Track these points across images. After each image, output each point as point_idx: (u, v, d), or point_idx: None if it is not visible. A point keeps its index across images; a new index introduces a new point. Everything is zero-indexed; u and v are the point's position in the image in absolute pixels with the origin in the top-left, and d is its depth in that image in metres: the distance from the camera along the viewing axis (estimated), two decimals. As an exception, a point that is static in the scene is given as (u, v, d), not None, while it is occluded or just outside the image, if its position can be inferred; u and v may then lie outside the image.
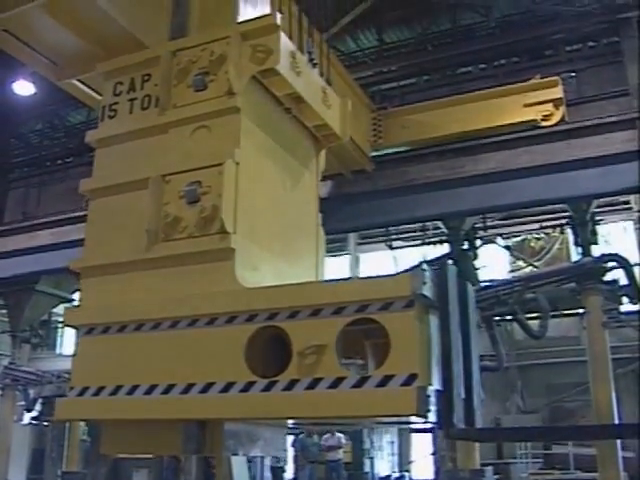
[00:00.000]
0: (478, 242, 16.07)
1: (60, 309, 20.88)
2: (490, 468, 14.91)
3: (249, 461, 4.74)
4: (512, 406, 20.86)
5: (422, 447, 22.78)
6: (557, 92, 10.68)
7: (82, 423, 18.78)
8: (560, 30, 14.25)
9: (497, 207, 13.62)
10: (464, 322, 3.75)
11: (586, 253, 13.47)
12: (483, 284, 13.64)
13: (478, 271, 15.99)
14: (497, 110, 11.00)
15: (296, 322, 3.66)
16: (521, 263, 21.69)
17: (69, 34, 5.47)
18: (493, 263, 20.78)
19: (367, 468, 21.71)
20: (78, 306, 4.52)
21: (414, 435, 23.34)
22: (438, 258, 14.73)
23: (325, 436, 18.49)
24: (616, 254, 13.02)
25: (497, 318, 12.44)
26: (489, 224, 18.05)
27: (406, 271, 3.64)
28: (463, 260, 14.56)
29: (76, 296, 17.70)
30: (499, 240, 20.05)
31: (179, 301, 4.01)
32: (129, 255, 4.28)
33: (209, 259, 4.04)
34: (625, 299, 13.16)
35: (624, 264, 12.65)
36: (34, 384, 19.18)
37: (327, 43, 6.20)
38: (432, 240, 18.75)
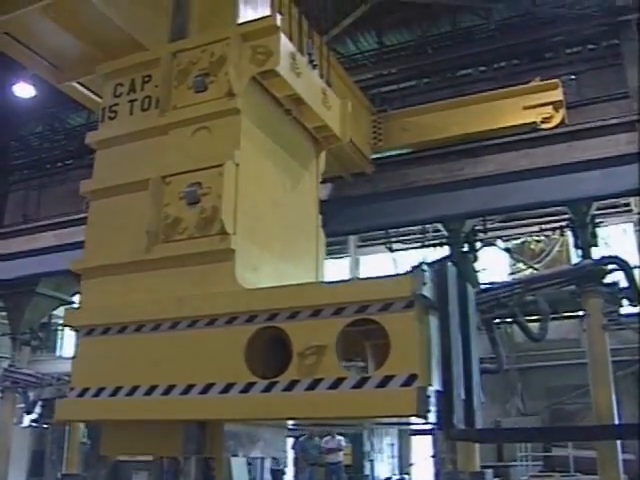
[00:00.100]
0: (478, 244, 16.07)
1: (60, 311, 20.88)
2: (490, 470, 14.87)
3: (249, 463, 4.73)
4: (512, 408, 20.86)
5: (422, 449, 22.78)
6: (557, 94, 10.68)
7: (82, 425, 18.75)
8: (560, 32, 14.29)
9: (498, 209, 13.62)
10: (464, 323, 3.75)
11: (586, 255, 13.47)
12: (483, 286, 13.63)
13: (478, 273, 15.99)
14: (497, 112, 11.00)
15: (296, 323, 3.67)
16: (521, 265, 21.70)
17: (69, 37, 5.48)
18: (493, 265, 20.78)
19: (367, 471, 21.74)
20: (78, 307, 4.52)
21: (414, 437, 23.33)
22: (438, 260, 14.71)
23: (325, 438, 18.48)
24: (616, 256, 13.01)
25: (497, 320, 12.42)
26: (489, 226, 18.05)
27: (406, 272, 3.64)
28: (463, 262, 14.56)
29: (76, 298, 17.69)
30: (499, 242, 20.07)
31: (179, 302, 4.01)
32: (129, 256, 4.29)
33: (209, 260, 4.04)
34: (625, 301, 13.16)
35: (624, 266, 12.64)
36: (34, 386, 19.15)
37: (327, 45, 6.21)
38: (432, 242, 18.73)
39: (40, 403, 19.20)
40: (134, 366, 4.05)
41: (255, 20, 4.58)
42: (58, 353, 29.64)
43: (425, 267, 3.50)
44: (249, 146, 4.29)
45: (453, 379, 3.54)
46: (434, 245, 18.35)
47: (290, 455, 19.04)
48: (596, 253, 13.61)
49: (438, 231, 17.37)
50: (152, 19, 5.31)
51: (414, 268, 3.50)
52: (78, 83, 5.93)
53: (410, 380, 3.33)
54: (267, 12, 5.12)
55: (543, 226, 19.56)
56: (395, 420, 4.58)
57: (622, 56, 12.98)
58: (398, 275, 3.67)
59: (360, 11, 15.25)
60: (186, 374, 3.85)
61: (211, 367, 3.80)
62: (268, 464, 5.15)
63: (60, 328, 28.34)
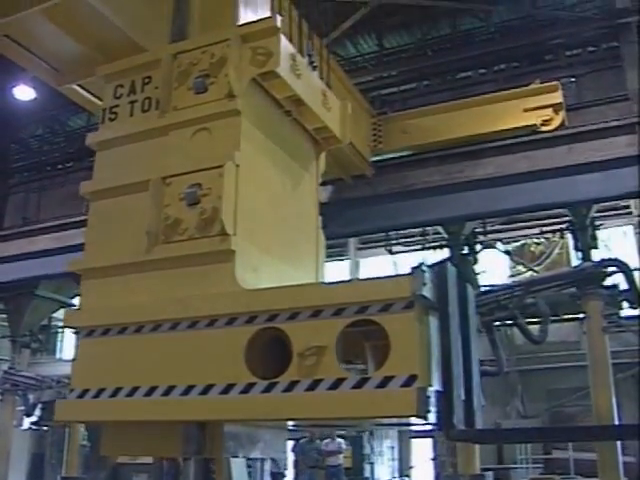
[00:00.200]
0: (478, 247, 16.10)
1: (60, 314, 20.89)
2: (490, 473, 14.89)
3: (249, 466, 4.73)
4: (512, 411, 20.84)
5: (422, 452, 22.79)
6: (557, 97, 10.69)
7: (82, 428, 18.76)
8: (560, 35, 14.32)
9: (498, 212, 13.64)
10: (464, 323, 3.75)
11: (586, 258, 13.49)
12: (483, 289, 13.64)
13: (478, 276, 16.01)
14: (497, 115, 11.01)
15: (296, 323, 3.66)
16: (521, 268, 21.70)
17: (69, 39, 5.48)
18: (493, 268, 20.80)
19: (367, 473, 21.73)
20: (78, 308, 4.52)
21: (414, 440, 23.33)
22: (438, 262, 14.73)
23: (325, 441, 18.47)
24: (616, 259, 13.03)
25: (497, 323, 12.43)
26: (489, 229, 18.08)
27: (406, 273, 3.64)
28: (463, 265, 14.57)
29: (76, 301, 17.70)
30: (499, 245, 20.07)
31: (179, 303, 4.01)
32: (129, 257, 4.28)
33: (209, 261, 4.04)
34: (625, 304, 13.17)
35: (624, 269, 12.66)
36: (34, 389, 19.18)
37: (327, 48, 6.22)
38: (432, 245, 18.75)
39: (40, 406, 19.22)
40: (134, 367, 4.05)
41: (255, 21, 4.58)
42: (58, 356, 29.63)
43: (425, 268, 3.50)
44: (249, 147, 4.30)
45: (453, 380, 3.54)
46: (434, 247, 18.37)
47: (290, 458, 19.02)
48: (596, 255, 13.63)
49: (438, 233, 17.39)
50: (152, 21, 5.32)
51: (414, 269, 3.50)
52: (78, 85, 5.94)
53: (410, 380, 3.33)
54: (267, 14, 5.12)
55: (543, 228, 19.57)
56: (395, 421, 4.57)
57: (622, 58, 13.00)
58: (398, 276, 3.68)
59: (360, 14, 15.26)
60: (186, 375, 3.85)
61: (211, 368, 3.80)
62: (268, 467, 5.15)
63: (60, 330, 28.34)
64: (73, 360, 4.37)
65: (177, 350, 3.95)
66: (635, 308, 13.08)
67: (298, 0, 6.34)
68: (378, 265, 24.02)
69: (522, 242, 21.52)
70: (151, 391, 3.91)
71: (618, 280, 12.88)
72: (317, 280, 4.95)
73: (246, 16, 4.91)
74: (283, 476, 16.80)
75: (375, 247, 23.09)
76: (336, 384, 3.48)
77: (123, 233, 4.42)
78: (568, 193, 11.39)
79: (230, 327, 3.84)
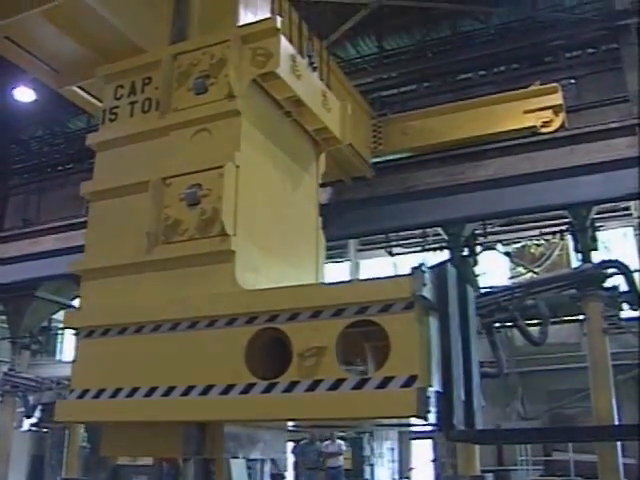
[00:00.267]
0: (478, 248, 16.10)
1: (60, 315, 20.88)
2: (490, 475, 14.89)
3: (249, 468, 4.73)
4: (512, 412, 20.82)
5: (422, 454, 22.76)
6: (557, 99, 10.71)
7: (82, 430, 18.75)
8: (560, 37, 14.34)
9: (498, 213, 13.65)
10: (464, 324, 3.75)
11: (586, 259, 13.49)
12: (483, 290, 13.64)
13: (478, 277, 16.00)
14: (497, 116, 11.02)
15: (296, 324, 3.66)
16: (521, 269, 21.69)
17: (69, 41, 5.49)
18: (493, 269, 20.79)
19: (367, 475, 21.68)
20: (78, 309, 4.52)
21: (414, 442, 23.31)
22: (438, 264, 14.73)
23: (325, 443, 18.46)
24: (616, 260, 13.03)
25: (497, 324, 12.43)
26: (489, 230, 18.07)
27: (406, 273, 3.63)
28: (463, 266, 14.57)
29: (76, 302, 17.70)
30: (499, 246, 20.06)
31: (179, 303, 4.01)
32: (129, 257, 4.29)
33: (209, 261, 4.04)
34: (625, 305, 13.17)
35: (624, 270, 12.65)
36: (34, 390, 19.16)
37: (327, 50, 6.22)
38: (432, 246, 18.75)
39: (40, 407, 19.21)
40: (134, 367, 4.05)
41: (255, 22, 4.59)
42: (58, 357, 29.59)
43: (425, 268, 3.50)
44: (249, 148, 4.30)
45: (453, 380, 3.54)
46: (434, 249, 18.38)
47: (290, 459, 19.00)
48: (596, 257, 13.63)
49: (438, 235, 17.39)
50: (152, 23, 5.33)
51: (414, 269, 3.50)
52: (78, 87, 5.95)
53: (410, 381, 3.33)
54: (267, 16, 5.12)
55: (543, 230, 19.56)
56: (395, 421, 4.57)
57: (621, 60, 13.01)
58: (398, 276, 3.68)
59: (360, 15, 15.28)
60: (186, 375, 3.85)
61: (211, 368, 3.80)
62: (268, 468, 5.15)
63: (60, 332, 28.33)
64: (73, 361, 4.37)
65: (177, 350, 3.95)
66: (635, 310, 13.07)
67: (298, 2, 6.35)
68: (378, 267, 23.99)
69: (522, 244, 21.49)
70: (151, 391, 3.91)
71: (618, 282, 12.88)
72: (317, 281, 4.95)
73: (246, 18, 4.92)
74: (283, 477, 16.79)
75: (375, 249, 23.06)
76: (336, 385, 3.48)
77: (123, 234, 4.42)
78: (568, 195, 11.40)
79: (230, 327, 3.84)
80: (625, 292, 12.74)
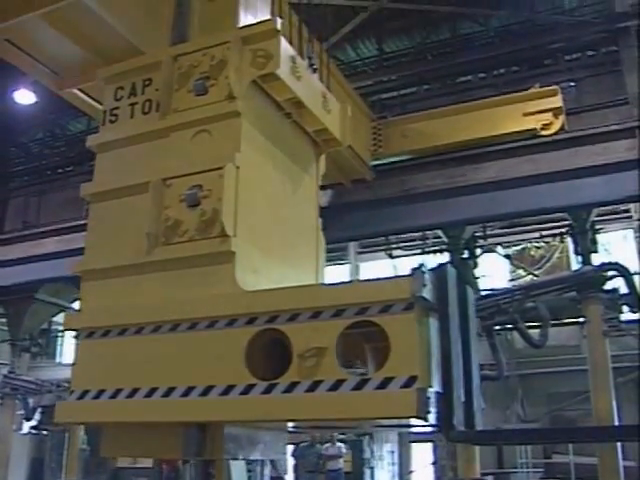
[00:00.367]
0: (478, 251, 16.10)
1: (60, 318, 20.87)
2: (491, 477, 14.88)
3: (249, 470, 4.73)
4: (512, 415, 20.80)
5: (422, 456, 22.74)
6: (556, 101, 10.72)
7: (81, 432, 18.74)
8: (559, 39, 14.33)
9: (498, 216, 13.65)
10: (464, 325, 3.76)
11: (586, 262, 13.49)
12: (483, 293, 13.64)
13: (478, 280, 16.00)
14: (497, 119, 11.03)
15: (296, 325, 3.66)
16: (521, 272, 21.68)
17: (70, 43, 5.50)
18: (493, 272, 20.78)
19: (367, 478, 21.65)
20: (79, 310, 4.53)
21: (414, 444, 23.29)
22: (438, 266, 14.73)
23: (325, 445, 18.46)
24: (616, 263, 13.04)
25: (497, 327, 12.43)
26: (489, 233, 18.08)
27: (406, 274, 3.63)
28: (463, 269, 14.57)
29: (76, 305, 17.69)
30: (499, 249, 20.07)
31: (179, 304, 4.01)
32: (130, 258, 4.29)
33: (209, 262, 4.04)
34: (625, 308, 13.17)
35: (624, 273, 12.67)
36: (33, 393, 19.16)
37: (327, 52, 6.23)
38: (432, 249, 18.75)
39: (39, 410, 19.21)
40: (134, 368, 4.05)
41: (255, 24, 4.60)
42: (58, 360, 29.58)
43: (425, 269, 3.51)
44: (249, 149, 4.30)
45: (453, 381, 3.54)
46: (434, 252, 18.36)
47: (290, 462, 19.00)
48: (596, 259, 13.63)
49: (438, 237, 17.39)
50: (152, 26, 5.34)
51: (414, 270, 3.50)
52: (79, 90, 5.96)
53: (410, 382, 3.33)
54: (267, 17, 5.13)
55: (543, 232, 19.58)
56: (395, 422, 4.58)
57: (621, 63, 13.02)
58: (398, 277, 3.68)
59: (360, 18, 15.29)
60: (186, 376, 3.85)
61: (211, 369, 3.80)
62: (267, 471, 5.15)
63: (60, 335, 28.32)
64: (73, 362, 4.37)
65: (177, 351, 3.95)
66: (635, 312, 13.09)
67: (298, 5, 6.37)
68: (378, 269, 23.97)
69: (522, 246, 21.50)
70: (151, 392, 3.91)
71: (618, 284, 12.88)
72: (317, 281, 4.96)
73: (246, 20, 4.93)
74: (283, 480, 16.78)
75: (375, 251, 23.07)
76: (336, 385, 3.48)
77: (123, 235, 4.42)
78: (568, 197, 11.41)
79: (230, 328, 3.84)
80: (625, 294, 12.76)
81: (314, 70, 5.14)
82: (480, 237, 16.99)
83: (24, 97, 17.72)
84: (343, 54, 16.87)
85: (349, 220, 12.27)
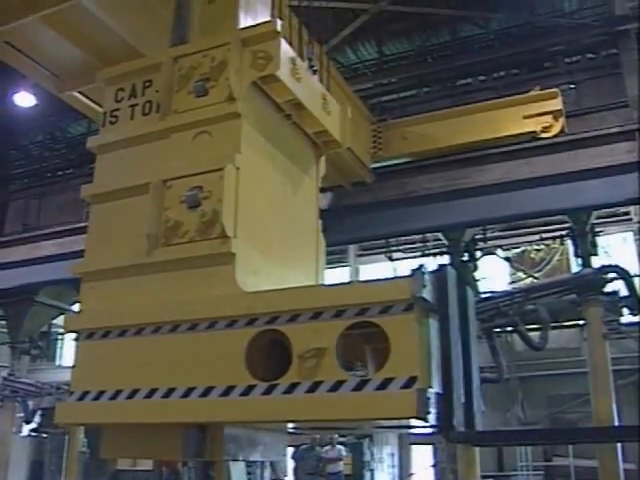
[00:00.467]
0: (478, 253, 16.08)
1: (60, 320, 20.86)
2: (491, 480, 14.86)
3: (249, 473, 4.72)
4: (513, 417, 20.79)
5: (422, 459, 22.73)
6: (556, 104, 10.72)
7: (81, 435, 18.73)
8: (559, 42, 14.37)
9: (499, 219, 13.66)
10: (464, 326, 3.76)
11: (586, 264, 13.47)
12: (483, 295, 13.63)
13: (478, 282, 15.99)
14: (497, 122, 11.04)
15: (296, 325, 3.67)
16: (521, 274, 21.68)
17: (70, 46, 5.53)
18: (493, 274, 20.78)
19: (367, 480, 21.65)
20: (79, 311, 4.53)
21: (415, 447, 23.28)
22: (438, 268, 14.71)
23: (325, 448, 18.43)
24: (616, 265, 13.02)
25: (497, 329, 12.41)
26: (489, 235, 18.07)
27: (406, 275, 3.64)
28: (463, 271, 14.55)
29: (76, 307, 17.69)
30: (499, 251, 20.06)
31: (179, 305, 4.01)
32: (130, 260, 4.30)
33: (209, 263, 4.05)
34: (625, 310, 13.15)
35: (624, 275, 12.65)
36: (33, 396, 19.14)
37: (327, 55, 6.24)
38: (432, 252, 18.74)
39: (39, 412, 19.19)
40: (134, 369, 4.06)
41: (255, 25, 4.61)
42: (58, 362, 29.58)
43: (425, 270, 3.51)
44: (250, 150, 4.31)
45: (453, 381, 3.54)
46: (434, 254, 18.37)
47: (290, 465, 18.97)
48: (596, 262, 13.62)
49: (438, 240, 17.39)
50: (151, 29, 5.37)
51: (414, 271, 3.51)
52: (79, 92, 5.98)
53: (410, 382, 3.33)
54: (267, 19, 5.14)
55: (543, 235, 19.56)
56: (395, 423, 4.58)
57: (621, 65, 13.04)
58: (398, 278, 3.68)
59: (360, 21, 15.31)
60: (186, 377, 3.85)
61: (211, 370, 3.80)
62: (267, 473, 5.15)
63: (60, 337, 28.32)
64: (73, 363, 4.37)
65: (177, 352, 3.95)
66: (635, 314, 13.06)
67: (298, 7, 6.38)
68: (378, 272, 23.98)
69: (522, 249, 21.50)
70: (151, 393, 3.91)
71: (618, 286, 12.87)
72: (317, 283, 4.96)
73: (246, 23, 4.93)
74: (283, 483, 16.73)
75: (375, 254, 23.07)
76: (336, 386, 3.48)
77: (124, 236, 4.43)
78: (568, 200, 11.41)
79: (230, 329, 3.84)
80: (625, 297, 12.73)
81: (314, 72, 5.15)
82: (480, 240, 16.97)
83: (24, 100, 17.72)
84: (343, 57, 16.90)
85: (349, 223, 12.27)
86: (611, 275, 12.78)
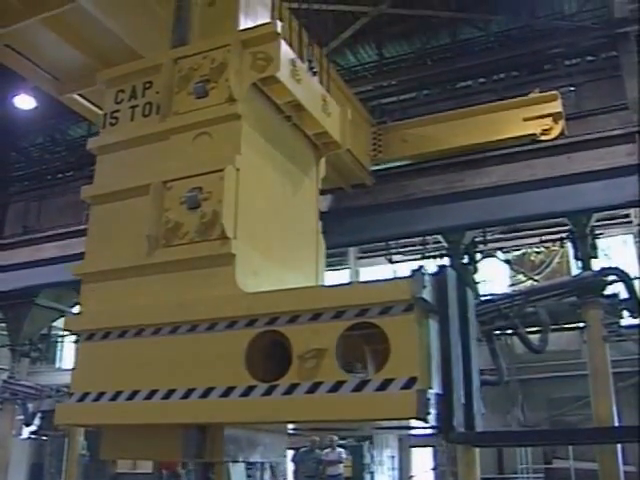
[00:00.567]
0: (478, 256, 16.08)
1: (60, 323, 20.85)
2: (491, 482, 14.83)
3: (248, 476, 4.73)
4: (513, 420, 20.77)
5: (423, 461, 22.72)
6: (556, 106, 10.74)
7: (81, 437, 18.71)
8: (559, 44, 14.39)
9: (498, 221, 13.66)
10: (464, 327, 3.76)
11: (586, 267, 13.46)
12: (483, 298, 13.62)
13: (478, 285, 15.98)
14: (497, 124, 11.05)
15: (296, 326, 3.67)
16: (521, 277, 21.68)
17: (70, 48, 5.54)
18: (493, 277, 20.78)
19: (367, 482, 21.64)
20: (79, 312, 4.53)
21: (415, 449, 23.27)
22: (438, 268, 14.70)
23: (325, 450, 18.40)
24: (616, 268, 13.01)
25: (497, 332, 12.41)
26: (489, 238, 18.07)
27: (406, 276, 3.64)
28: (463, 274, 14.55)
29: (76, 310, 17.68)
30: (499, 254, 20.06)
31: (179, 306, 4.02)
32: (130, 261, 4.30)
33: (209, 264, 4.05)
34: (625, 313, 13.15)
35: (624, 278, 12.64)
36: (33, 398, 19.13)
37: (327, 57, 6.25)
38: (432, 254, 18.75)
39: (39, 415, 19.19)
40: (134, 370, 4.06)
41: (255, 27, 4.61)
42: (57, 365, 29.57)
43: (425, 271, 3.51)
44: (250, 151, 4.31)
45: (453, 382, 3.54)
46: (434, 257, 18.36)
47: (290, 467, 18.96)
48: (596, 264, 13.61)
49: (438, 242, 17.39)
50: (151, 30, 5.37)
51: (414, 272, 3.51)
52: (78, 95, 5.99)
53: (410, 383, 3.33)
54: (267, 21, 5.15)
55: (543, 237, 19.57)
56: (395, 424, 4.58)
57: (621, 68, 13.05)
58: (398, 278, 3.69)
59: (360, 23, 15.32)
60: (186, 378, 3.85)
61: (211, 371, 3.80)
62: (267, 476, 5.15)
63: (60, 340, 28.31)
64: (73, 364, 4.37)
65: (177, 353, 3.96)
66: (635, 317, 13.05)
67: (298, 10, 6.39)
68: (378, 274, 23.98)
69: (522, 251, 21.51)
70: (151, 394, 3.91)
71: (618, 289, 12.86)
72: (317, 284, 4.96)
73: (246, 25, 4.94)
74: (282, 485, 16.74)
75: (375, 256, 23.08)
76: (336, 387, 3.49)
77: (124, 237, 4.43)
78: (568, 202, 11.41)
79: (230, 330, 3.84)
80: (625, 299, 12.72)
81: (314, 73, 5.15)
82: (480, 242, 16.98)
83: (24, 102, 17.73)
84: (343, 59, 16.91)
85: (349, 225, 12.27)
86: (611, 278, 12.76)
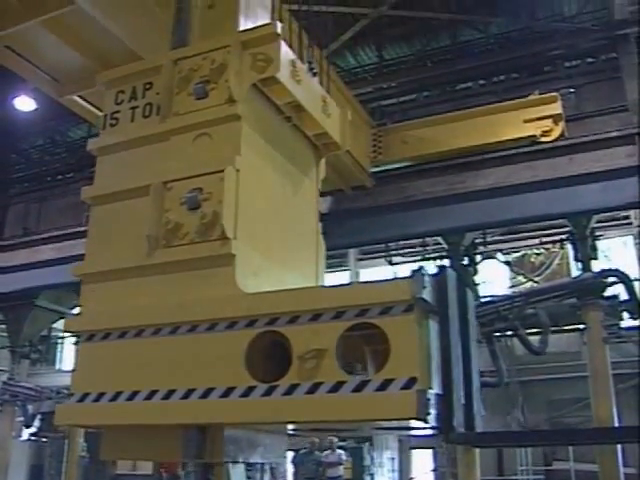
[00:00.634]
0: (478, 258, 16.08)
1: (60, 324, 20.85)
2: (491, 484, 14.82)
3: (248, 478, 4.71)
4: (513, 422, 20.76)
5: (423, 463, 22.70)
6: (556, 108, 10.76)
7: (81, 439, 18.71)
8: (559, 46, 14.38)
9: (498, 223, 13.66)
10: (464, 327, 3.76)
11: (586, 268, 13.46)
12: (483, 299, 13.62)
13: (478, 287, 15.98)
14: (497, 126, 11.06)
15: (296, 327, 3.67)
16: (521, 278, 21.67)
17: (70, 50, 5.54)
18: (493, 279, 20.78)
19: (368, 484, 21.61)
20: (79, 313, 4.53)
21: (415, 451, 23.25)
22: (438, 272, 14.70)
23: (325, 452, 18.37)
24: (616, 269, 13.01)
25: (497, 333, 12.40)
26: (489, 239, 18.07)
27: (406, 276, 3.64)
28: (463, 275, 14.55)
29: (75, 311, 17.68)
30: (499, 255, 20.05)
31: (179, 307, 4.02)
32: (130, 261, 4.30)
33: (210, 265, 4.05)
34: (626, 314, 13.14)
35: (624, 279, 12.63)
36: (33, 400, 19.13)
37: (327, 59, 6.25)
38: (432, 256, 18.75)
39: (39, 417, 19.21)
40: (134, 371, 4.06)
41: (255, 28, 4.62)
42: (57, 366, 29.56)
43: (425, 271, 3.52)
44: (250, 152, 4.32)
45: (453, 383, 3.54)
46: (434, 258, 18.36)
47: (289, 469, 18.94)
48: (596, 266, 13.61)
49: (438, 244, 17.39)
50: (150, 32, 5.37)
51: (414, 272, 3.51)
52: (78, 96, 5.99)
53: (410, 383, 3.34)
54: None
55: (543, 239, 19.57)
56: (395, 424, 4.58)
57: (621, 69, 13.06)
58: (398, 279, 3.69)
59: (360, 25, 15.33)
60: (186, 378, 3.86)
61: (211, 371, 3.80)
62: (267, 478, 5.14)
63: (60, 341, 28.31)
64: (73, 365, 4.37)
65: (177, 354, 3.96)
66: (635, 319, 13.04)
67: (298, 12, 6.40)
68: (378, 276, 23.98)
69: (522, 253, 21.50)
70: (151, 395, 3.92)
71: (618, 291, 12.86)
72: (317, 284, 4.96)
73: (246, 27, 4.94)
74: (282, 487, 16.69)
75: (375, 258, 23.06)
76: (336, 387, 3.49)
77: (124, 238, 4.43)
78: (568, 204, 11.43)
79: (230, 331, 3.85)
80: (625, 301, 12.71)
81: (314, 74, 5.16)
82: (480, 244, 16.97)
83: (24, 104, 17.72)
84: (343, 61, 16.91)
85: (349, 227, 12.29)
86: (611, 279, 12.76)
